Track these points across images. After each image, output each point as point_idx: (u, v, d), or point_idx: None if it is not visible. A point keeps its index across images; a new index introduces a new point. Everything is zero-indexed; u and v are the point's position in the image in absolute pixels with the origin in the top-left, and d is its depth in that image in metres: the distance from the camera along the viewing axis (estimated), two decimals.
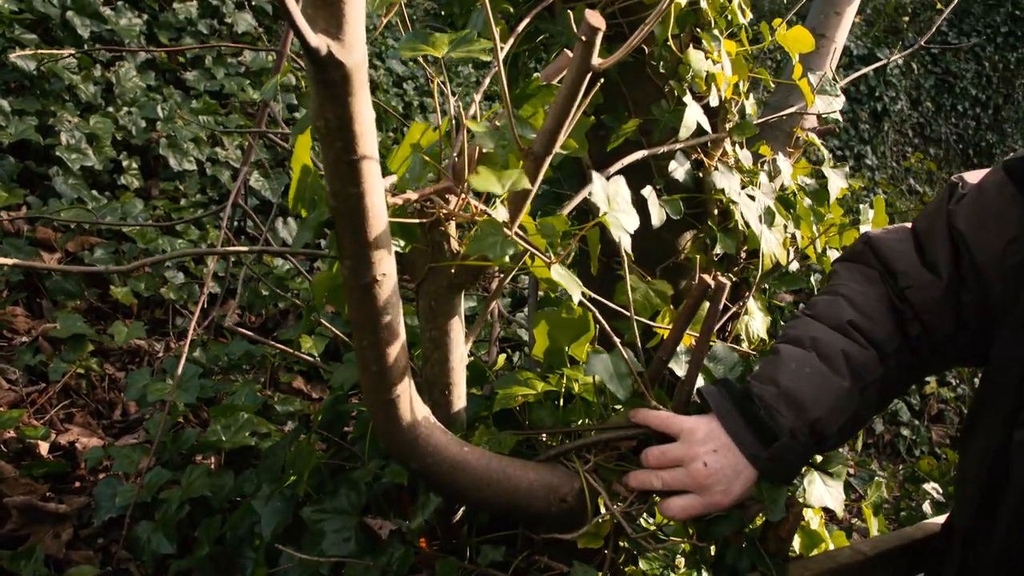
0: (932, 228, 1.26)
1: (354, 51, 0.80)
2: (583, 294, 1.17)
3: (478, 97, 1.19)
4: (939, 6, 9.12)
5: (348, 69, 0.80)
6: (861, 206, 1.90)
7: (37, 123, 2.86)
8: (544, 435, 1.33)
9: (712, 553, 1.29)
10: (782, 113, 1.85)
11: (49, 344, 2.27)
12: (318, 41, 0.77)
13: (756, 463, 1.15)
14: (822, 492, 1.48)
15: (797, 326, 1.27)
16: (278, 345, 1.94)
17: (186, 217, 3.01)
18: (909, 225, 1.33)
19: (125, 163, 3.02)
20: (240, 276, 2.39)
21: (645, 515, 1.28)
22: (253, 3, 4.26)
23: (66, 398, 2.19)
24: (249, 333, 1.85)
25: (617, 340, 1.24)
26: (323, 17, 0.78)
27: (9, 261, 1.06)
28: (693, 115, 1.47)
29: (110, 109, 3.14)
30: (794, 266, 1.77)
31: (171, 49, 3.20)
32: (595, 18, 0.97)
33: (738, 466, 1.15)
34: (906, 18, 8.95)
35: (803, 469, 1.49)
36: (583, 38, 0.98)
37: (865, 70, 2.61)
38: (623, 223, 1.15)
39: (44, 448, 1.95)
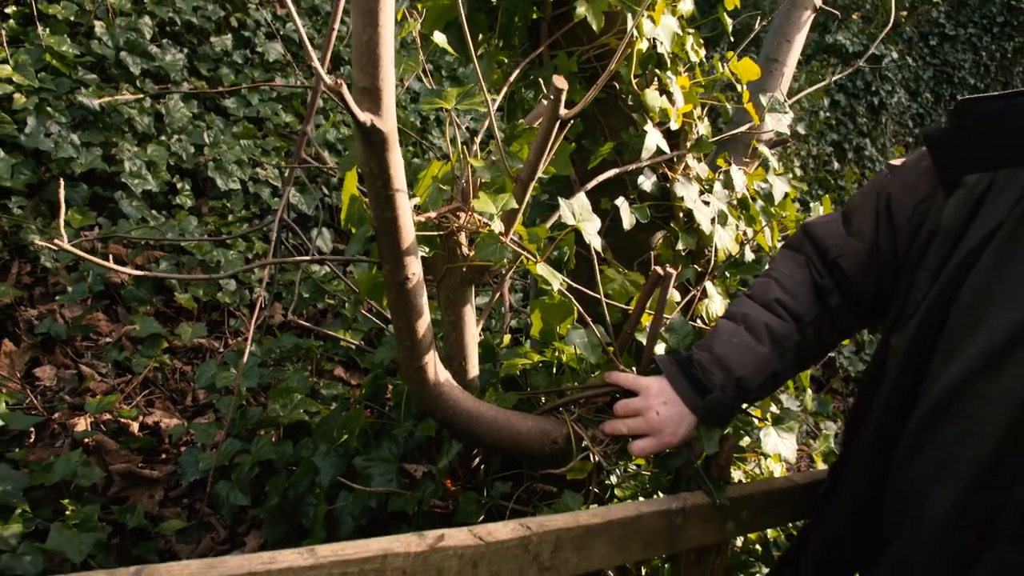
0: (862, 204, 1.60)
1: (388, 121, 1.18)
2: (563, 284, 1.55)
3: (478, 139, 1.57)
4: (935, 0, 9.40)
5: (385, 134, 1.18)
6: (812, 204, 2.27)
7: (102, 153, 3.27)
8: (541, 395, 1.71)
9: (669, 480, 1.66)
10: (739, 130, 2.21)
11: (130, 343, 2.68)
12: (364, 117, 1.15)
13: (696, 411, 1.52)
14: (777, 443, 1.85)
15: (737, 303, 1.64)
16: (329, 333, 2.32)
17: (233, 231, 3.41)
18: (841, 209, 1.69)
19: (179, 185, 3.44)
20: (297, 280, 2.78)
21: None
22: (281, 33, 4.66)
23: (146, 387, 2.60)
24: (305, 324, 2.23)
25: (589, 319, 1.61)
26: (368, 101, 1.16)
27: (135, 272, 1.46)
28: (653, 139, 1.84)
29: (163, 137, 3.55)
30: (751, 256, 2.13)
31: (244, 86, 3.59)
32: (560, 81, 1.35)
33: (682, 414, 1.52)
34: (904, 12, 9.22)
35: (758, 424, 1.86)
36: (552, 96, 1.36)
37: (858, 63, 2.87)
38: (589, 230, 1.52)
39: (135, 427, 2.36)
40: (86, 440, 2.23)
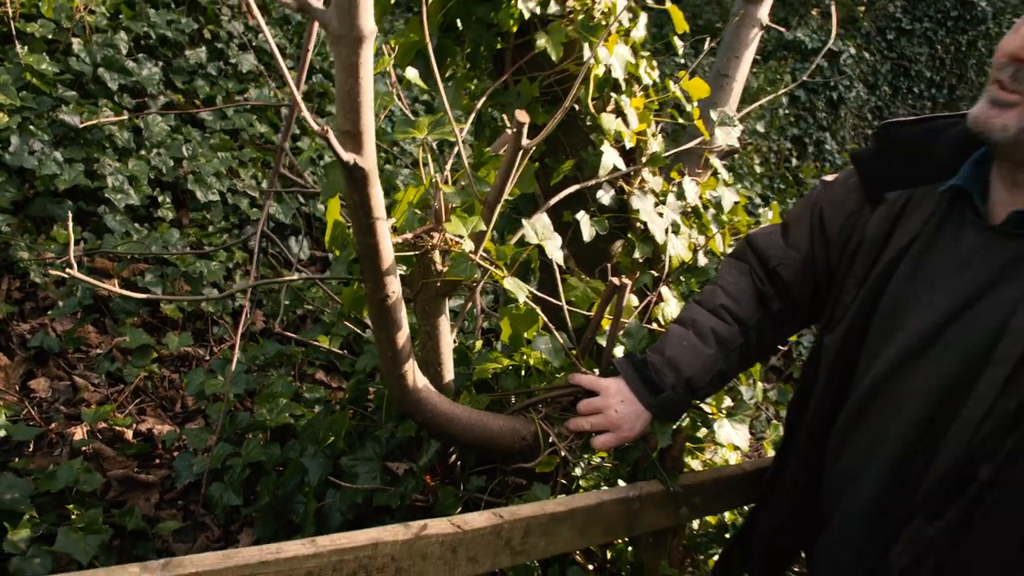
0: (799, 217, 1.77)
1: (369, 160, 1.33)
2: (529, 295, 1.71)
3: (447, 167, 1.72)
4: None
5: (366, 171, 1.33)
6: (760, 210, 2.45)
7: (84, 169, 3.38)
8: (511, 396, 1.87)
9: (628, 471, 1.83)
10: (690, 144, 2.38)
11: (121, 354, 2.81)
12: (348, 157, 1.30)
13: (650, 408, 1.68)
14: (730, 433, 2.01)
15: (687, 309, 1.81)
16: (310, 341, 2.47)
17: (214, 241, 3.54)
18: (780, 221, 1.86)
19: (160, 198, 3.55)
20: (281, 292, 2.92)
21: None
22: (254, 44, 4.78)
23: (137, 396, 2.73)
24: (288, 334, 2.37)
25: (553, 326, 1.78)
26: (350, 143, 1.31)
27: (125, 292, 1.60)
28: (609, 158, 2.00)
29: (142, 152, 3.66)
30: (704, 261, 2.30)
31: (231, 104, 3.71)
32: (523, 115, 1.51)
33: (638, 411, 1.69)
34: (861, 8, 9.46)
35: (712, 416, 2.03)
36: (515, 129, 1.52)
37: (816, 60, 3.01)
38: (550, 247, 1.68)
39: (129, 434, 2.49)
40: (84, 448, 2.37)
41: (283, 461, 2.28)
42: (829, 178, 1.76)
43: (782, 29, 2.77)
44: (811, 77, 7.69)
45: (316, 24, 2.85)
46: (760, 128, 6.39)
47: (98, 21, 4.04)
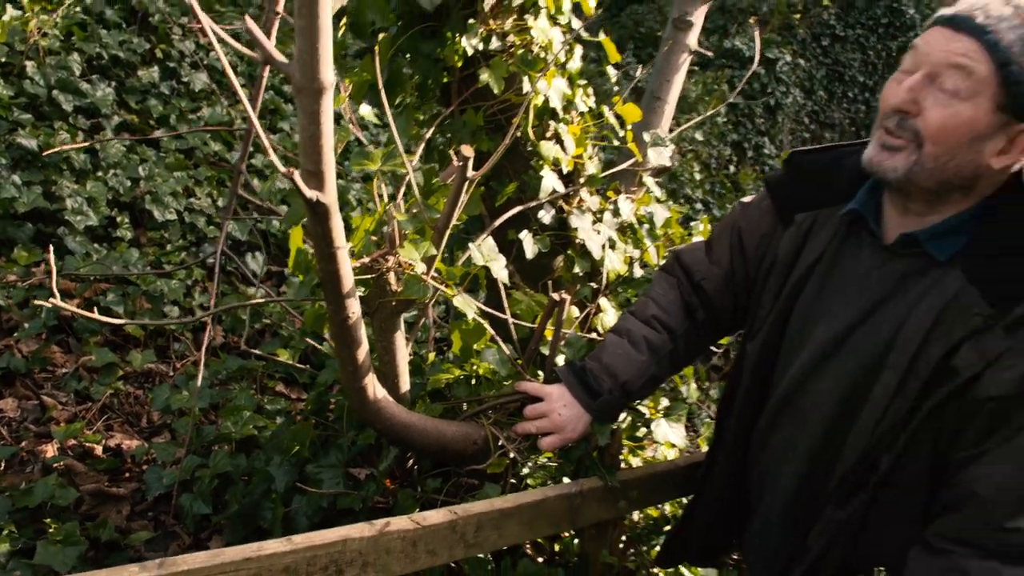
0: (720, 236, 1.96)
1: (330, 196, 1.48)
2: (477, 311, 1.87)
3: (400, 195, 1.87)
4: (825, 2, 10.01)
5: (328, 206, 1.48)
6: (692, 223, 2.64)
7: (43, 191, 3.46)
8: (463, 404, 2.03)
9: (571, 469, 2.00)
10: (624, 165, 2.56)
11: (87, 372, 2.91)
12: (311, 194, 1.45)
13: (589, 411, 1.85)
14: (666, 431, 2.19)
15: (622, 319, 1.98)
16: (269, 356, 2.60)
17: (173, 260, 3.65)
18: (705, 238, 2.04)
19: (118, 218, 3.65)
20: (246, 311, 3.03)
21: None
22: (205, 62, 4.87)
23: (104, 413, 2.83)
24: (251, 350, 2.51)
25: (500, 338, 1.94)
26: (313, 181, 1.46)
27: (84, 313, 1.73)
28: (549, 181, 2.17)
29: (99, 173, 3.76)
30: (640, 273, 2.49)
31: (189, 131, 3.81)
32: (467, 150, 1.67)
33: (580, 414, 1.85)
34: (797, 15, 9.79)
35: (649, 416, 2.20)
36: (461, 162, 1.68)
37: (752, 70, 3.20)
38: (495, 268, 1.84)
39: (99, 450, 2.60)
40: (56, 465, 2.47)
41: (249, 471, 2.41)
42: (747, 200, 1.95)
43: (709, 54, 2.97)
44: (749, 85, 7.96)
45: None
46: (699, 136, 6.63)
47: (51, 44, 4.11)
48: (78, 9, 4.48)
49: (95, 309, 3.16)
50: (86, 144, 2.83)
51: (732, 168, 7.10)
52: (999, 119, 1.38)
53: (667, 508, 2.65)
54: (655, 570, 2.46)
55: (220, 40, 1.55)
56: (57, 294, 1.58)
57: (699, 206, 6.10)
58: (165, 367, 3.21)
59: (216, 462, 2.42)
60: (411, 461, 2.10)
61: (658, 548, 2.45)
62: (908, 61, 1.45)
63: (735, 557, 3.05)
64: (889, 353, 1.53)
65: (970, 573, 1.45)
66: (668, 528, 2.50)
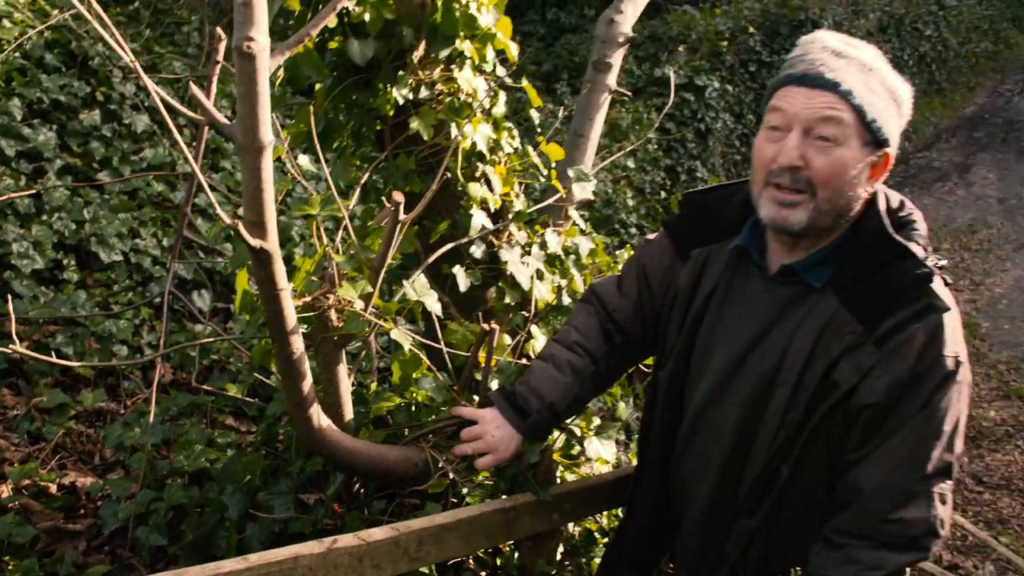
0: (629, 270, 2.14)
1: (272, 243, 1.63)
2: (414, 343, 2.03)
3: (338, 238, 2.02)
4: (751, 30, 10.40)
5: (270, 252, 1.63)
6: (618, 252, 2.83)
7: None
8: (404, 429, 2.17)
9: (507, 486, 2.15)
10: (550, 201, 2.73)
11: (39, 413, 2.99)
12: (255, 243, 1.60)
13: (520, 431, 2.01)
14: (598, 448, 2.35)
15: (547, 346, 2.15)
16: (217, 391, 2.71)
17: (120, 300, 3.73)
18: (618, 272, 2.22)
19: (64, 261, 3.73)
20: (197, 347, 3.13)
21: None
22: (146, 104, 4.96)
23: (57, 452, 2.91)
24: (202, 386, 2.62)
25: (435, 368, 2.10)
26: (256, 230, 1.60)
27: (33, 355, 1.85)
28: (478, 219, 2.34)
29: (44, 217, 3.83)
30: (568, 301, 2.66)
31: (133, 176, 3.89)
32: (398, 196, 1.83)
33: (512, 434, 2.01)
34: (725, 43, 10.15)
35: (581, 434, 2.36)
36: (392, 207, 1.84)
37: (671, 101, 3.37)
38: (428, 302, 2.00)
39: (53, 488, 2.68)
40: (12, 504, 2.55)
41: (203, 502, 2.52)
42: (650, 237, 2.15)
43: (628, 94, 3.19)
44: (680, 111, 8.25)
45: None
46: (631, 164, 6.88)
47: None
48: (17, 55, 4.55)
49: (52, 352, 3.25)
50: (32, 192, 2.92)
51: (665, 193, 7.37)
52: (866, 153, 1.62)
53: (604, 521, 2.81)
54: None
55: (160, 96, 1.69)
56: (17, 340, 1.69)
57: (633, 230, 6.33)
58: (116, 405, 3.30)
59: (171, 494, 2.51)
60: (357, 485, 2.24)
61: (597, 561, 2.62)
62: (775, 120, 1.65)
63: (671, 566, 3.22)
64: (779, 372, 1.72)
65: (862, 562, 1.66)
66: (606, 540, 2.66)
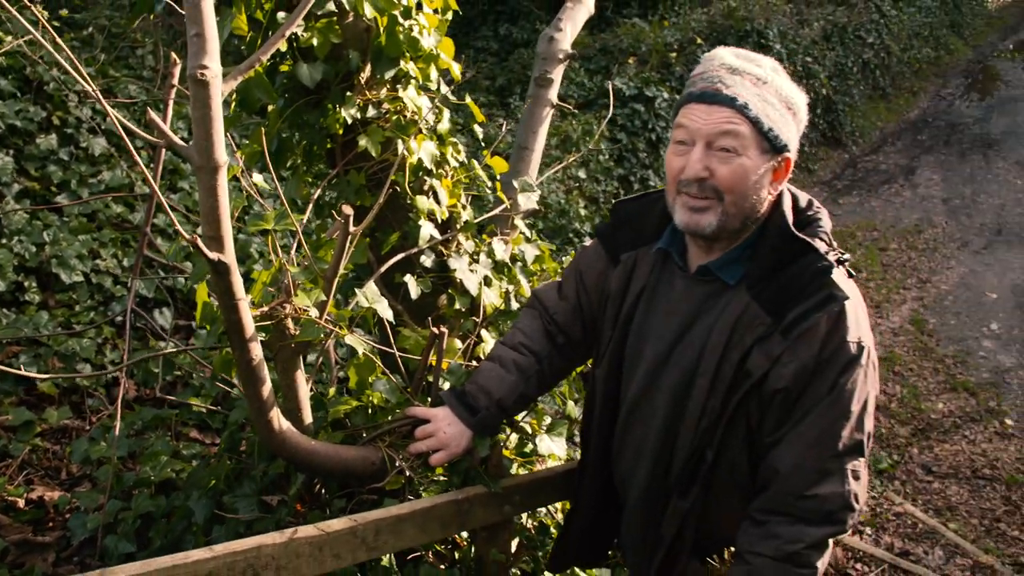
0: (568, 275, 2.29)
1: (229, 256, 1.75)
2: (368, 348, 2.15)
3: (293, 249, 2.14)
4: (699, 41, 10.64)
5: (228, 265, 1.74)
6: (564, 257, 2.97)
7: None
8: (362, 431, 2.29)
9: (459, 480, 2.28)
10: (497, 211, 2.88)
11: (4, 431, 3.06)
12: (213, 256, 1.71)
13: (471, 427, 2.14)
14: (549, 445, 2.48)
15: (495, 348, 2.28)
16: (182, 401, 2.80)
17: (82, 320, 3.80)
18: (559, 278, 2.36)
19: (25, 283, 3.80)
20: (159, 361, 3.22)
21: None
22: (103, 128, 5.03)
23: (23, 469, 2.98)
24: (168, 396, 2.71)
25: (389, 371, 2.22)
26: (214, 244, 1.72)
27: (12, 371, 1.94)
28: (427, 230, 2.47)
29: (4, 240, 3.90)
30: (516, 305, 2.79)
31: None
32: (347, 209, 1.95)
33: (463, 431, 2.14)
34: (674, 54, 10.38)
35: (531, 431, 2.48)
36: (343, 220, 1.96)
37: (610, 115, 3.51)
38: (380, 309, 2.12)
39: (21, 503, 2.76)
40: None
41: (170, 510, 2.61)
42: (586, 244, 2.29)
43: (569, 107, 3.35)
44: (631, 121, 8.44)
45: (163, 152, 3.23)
46: (582, 174, 7.06)
47: None
48: None
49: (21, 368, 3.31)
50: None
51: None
52: (766, 159, 1.77)
53: (559, 517, 2.94)
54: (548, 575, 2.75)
55: (119, 120, 1.80)
56: None
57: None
58: (81, 422, 3.37)
59: (138, 503, 2.60)
60: (318, 486, 2.35)
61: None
62: (681, 135, 1.81)
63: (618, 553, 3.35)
64: (700, 364, 1.87)
65: (782, 536, 1.81)
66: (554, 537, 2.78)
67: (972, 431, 6.27)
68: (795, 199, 1.90)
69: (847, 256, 1.85)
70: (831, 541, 1.86)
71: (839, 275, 1.77)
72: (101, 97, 1.69)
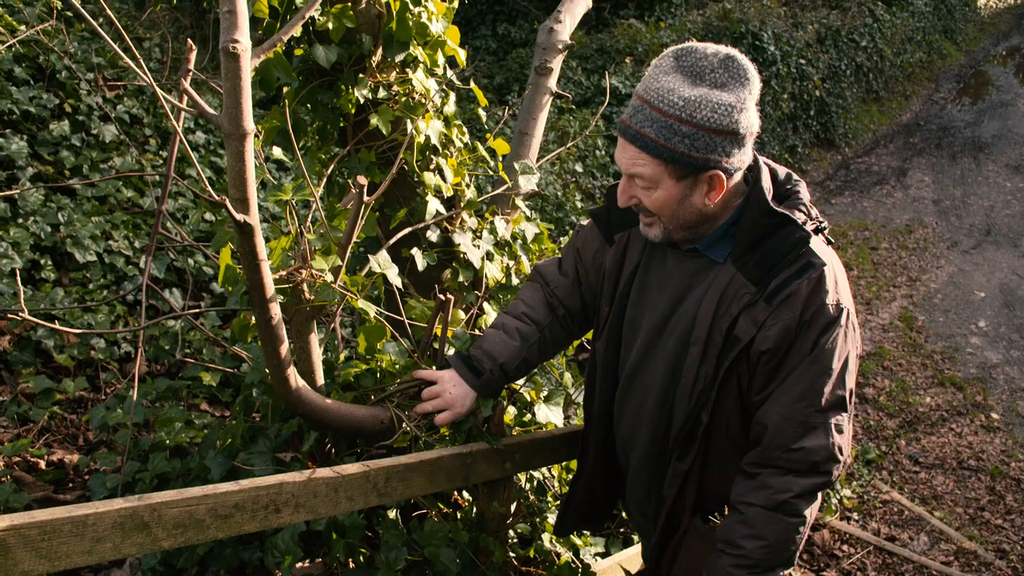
0: (567, 252, 2.43)
1: (254, 218, 1.88)
2: (378, 312, 2.29)
3: (308, 219, 2.28)
4: (694, 42, 10.77)
5: (252, 226, 1.88)
6: (562, 238, 3.11)
7: None
8: (371, 392, 2.43)
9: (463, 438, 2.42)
10: (500, 191, 3.02)
11: (25, 398, 3.19)
12: (239, 217, 1.85)
13: (475, 388, 2.27)
14: (547, 413, 2.62)
15: (499, 316, 2.42)
16: (208, 365, 2.94)
17: (96, 297, 3.94)
18: (559, 253, 2.50)
19: (41, 261, 3.93)
20: (180, 335, 3.35)
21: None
22: (114, 115, 5.16)
23: (43, 434, 3.12)
24: (191, 360, 2.84)
25: (398, 335, 2.36)
26: (240, 207, 1.86)
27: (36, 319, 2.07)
28: (433, 206, 2.61)
29: (20, 220, 4.03)
30: (516, 281, 2.94)
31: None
32: (361, 179, 2.09)
33: (467, 392, 2.27)
34: None
35: (531, 400, 2.62)
36: (357, 190, 2.10)
37: (602, 111, 3.67)
38: (391, 275, 2.26)
39: (43, 464, 2.89)
40: (2, 478, 2.76)
41: (185, 471, 2.74)
42: (585, 222, 2.43)
43: (568, 96, 3.50)
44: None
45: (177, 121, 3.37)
46: (579, 168, 7.20)
47: None
48: None
49: (34, 346, 3.44)
50: (7, 193, 3.12)
51: None
52: (687, 182, 1.87)
53: (556, 486, 3.08)
54: (548, 537, 2.88)
55: (157, 89, 1.93)
56: (24, 309, 1.93)
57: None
58: (96, 394, 3.50)
59: (154, 465, 2.74)
60: (328, 445, 2.49)
61: (552, 519, 2.88)
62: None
63: (622, 531, 3.51)
64: (692, 332, 2.01)
65: (772, 486, 1.95)
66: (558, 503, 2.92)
67: (959, 424, 6.42)
68: (774, 173, 2.03)
69: (825, 224, 1.99)
70: (819, 494, 2.00)
71: (817, 243, 1.91)
72: (150, 77, 1.82)
